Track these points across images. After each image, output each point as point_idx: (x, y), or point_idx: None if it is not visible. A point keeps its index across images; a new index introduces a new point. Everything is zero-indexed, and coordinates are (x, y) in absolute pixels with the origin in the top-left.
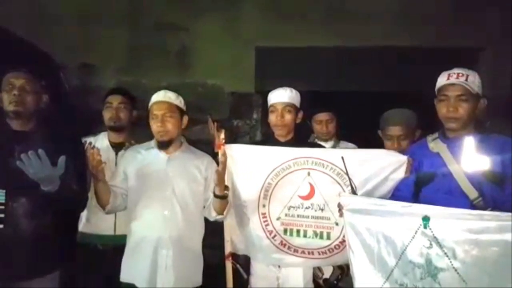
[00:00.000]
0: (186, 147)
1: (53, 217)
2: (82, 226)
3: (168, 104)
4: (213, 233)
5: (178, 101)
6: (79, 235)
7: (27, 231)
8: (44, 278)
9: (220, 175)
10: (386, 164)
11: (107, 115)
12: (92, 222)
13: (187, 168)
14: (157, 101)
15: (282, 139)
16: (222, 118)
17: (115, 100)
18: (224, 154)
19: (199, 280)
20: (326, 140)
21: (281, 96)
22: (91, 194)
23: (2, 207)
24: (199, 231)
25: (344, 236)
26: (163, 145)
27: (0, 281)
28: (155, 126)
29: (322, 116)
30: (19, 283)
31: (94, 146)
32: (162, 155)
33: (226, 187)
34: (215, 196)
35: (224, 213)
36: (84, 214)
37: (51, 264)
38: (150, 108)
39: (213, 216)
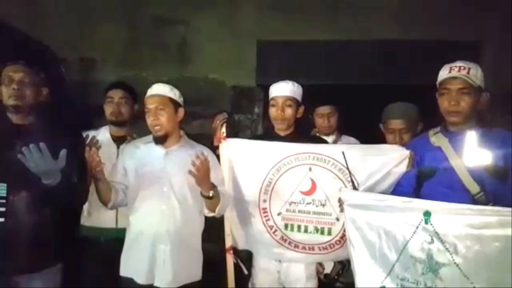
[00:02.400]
0: (185, 141)
1: (54, 211)
2: (84, 220)
3: (160, 97)
4: (214, 227)
5: (173, 93)
6: (81, 228)
7: (28, 224)
8: (46, 272)
9: (197, 177)
10: (388, 159)
11: (108, 110)
12: (94, 215)
13: (185, 163)
14: (150, 95)
15: (282, 133)
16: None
17: (116, 95)
18: (204, 161)
19: (198, 274)
20: (327, 134)
21: (282, 90)
22: (92, 188)
23: (3, 201)
24: (198, 226)
25: (345, 232)
26: (160, 140)
27: (2, 274)
28: (149, 120)
29: (324, 110)
30: (21, 276)
31: (96, 140)
32: (159, 149)
33: (214, 188)
34: (202, 195)
35: (216, 210)
36: (85, 208)
37: (52, 258)
38: (145, 102)
39: (205, 212)
